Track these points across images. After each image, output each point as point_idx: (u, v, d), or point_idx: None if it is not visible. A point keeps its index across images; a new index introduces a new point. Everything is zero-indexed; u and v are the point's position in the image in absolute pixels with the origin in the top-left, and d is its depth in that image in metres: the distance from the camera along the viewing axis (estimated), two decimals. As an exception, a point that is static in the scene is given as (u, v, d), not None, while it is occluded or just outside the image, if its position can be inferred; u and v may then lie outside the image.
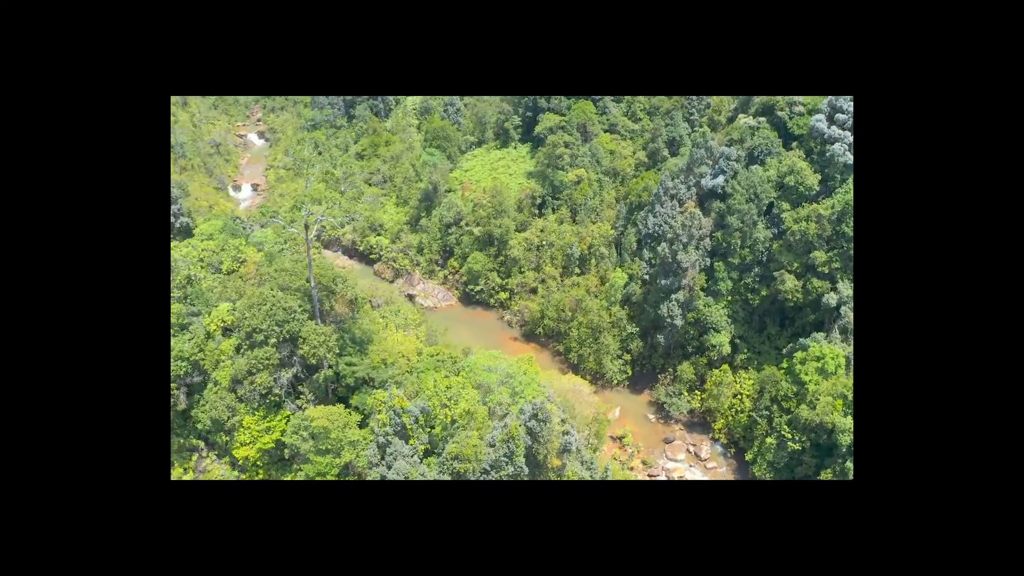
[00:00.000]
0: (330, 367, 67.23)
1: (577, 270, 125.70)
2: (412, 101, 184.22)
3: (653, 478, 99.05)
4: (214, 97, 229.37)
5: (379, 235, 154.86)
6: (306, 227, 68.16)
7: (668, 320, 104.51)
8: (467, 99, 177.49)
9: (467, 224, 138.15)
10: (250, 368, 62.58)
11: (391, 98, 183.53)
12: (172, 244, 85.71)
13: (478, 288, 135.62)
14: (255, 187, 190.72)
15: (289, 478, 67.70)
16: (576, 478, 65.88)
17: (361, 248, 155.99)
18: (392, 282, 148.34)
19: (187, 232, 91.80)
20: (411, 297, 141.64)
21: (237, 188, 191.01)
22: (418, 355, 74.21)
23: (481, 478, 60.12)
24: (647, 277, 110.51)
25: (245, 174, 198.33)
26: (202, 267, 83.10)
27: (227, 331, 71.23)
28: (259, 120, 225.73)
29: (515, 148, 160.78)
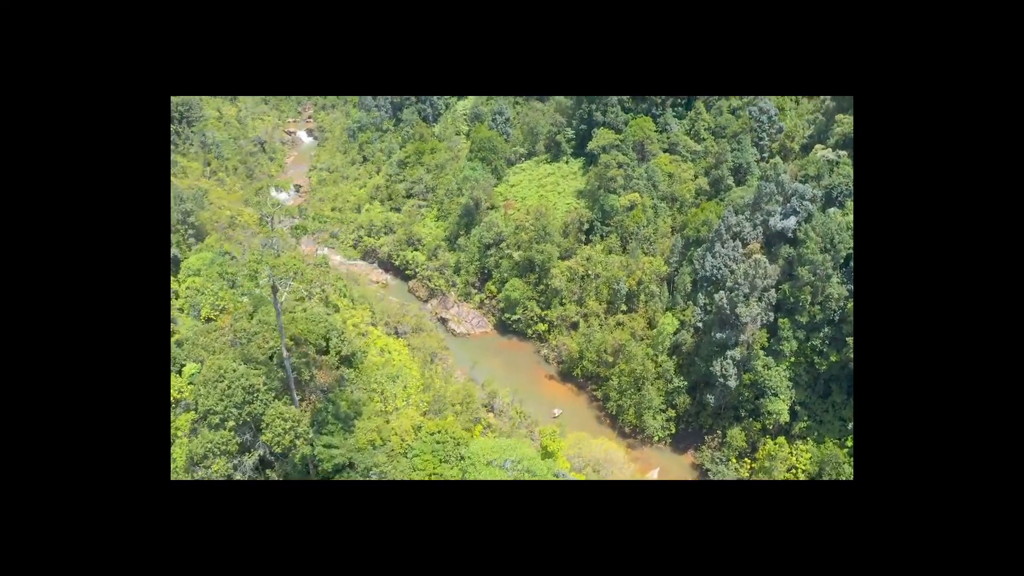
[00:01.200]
0: (310, 444, 57.50)
1: (623, 307, 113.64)
2: (463, 106, 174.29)
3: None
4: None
5: (416, 250, 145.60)
6: (274, 290, 58.00)
7: (721, 379, 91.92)
8: (518, 107, 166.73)
9: (507, 247, 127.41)
10: (205, 452, 53.41)
11: (440, 102, 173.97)
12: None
13: (515, 317, 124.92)
14: (297, 188, 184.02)
15: None
16: None
17: (397, 263, 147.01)
18: (426, 302, 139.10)
19: (175, 264, 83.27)
20: (443, 321, 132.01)
21: (279, 188, 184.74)
22: (416, 431, 64.09)
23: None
24: (700, 326, 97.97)
25: (289, 173, 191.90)
26: (180, 312, 73.78)
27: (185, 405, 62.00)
28: (309, 117, 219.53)
29: (566, 163, 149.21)
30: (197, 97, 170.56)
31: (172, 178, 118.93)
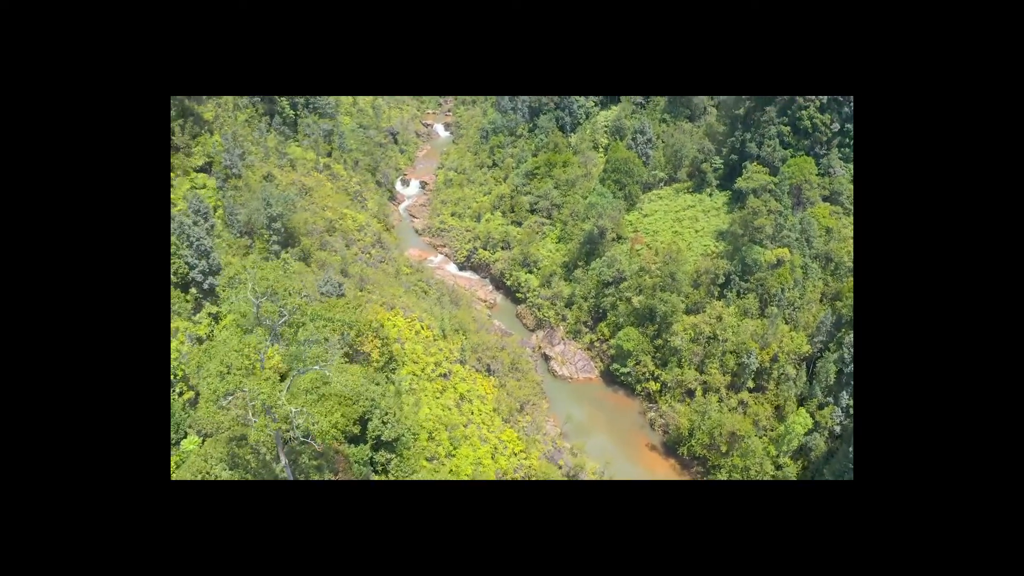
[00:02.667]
0: None
1: (750, 384, 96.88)
2: (604, 117, 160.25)
3: None
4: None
5: (531, 272, 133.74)
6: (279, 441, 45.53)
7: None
8: (664, 125, 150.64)
9: (628, 289, 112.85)
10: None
11: (580, 111, 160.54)
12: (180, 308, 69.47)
13: (625, 370, 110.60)
14: (424, 185, 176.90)
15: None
16: None
17: (509, 283, 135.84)
18: (532, 331, 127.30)
19: (211, 294, 74.27)
20: (546, 358, 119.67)
21: (406, 183, 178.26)
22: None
23: None
24: (838, 432, 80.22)
25: (418, 168, 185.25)
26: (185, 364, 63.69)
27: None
28: (449, 111, 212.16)
29: (709, 195, 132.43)
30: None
31: (275, 171, 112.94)
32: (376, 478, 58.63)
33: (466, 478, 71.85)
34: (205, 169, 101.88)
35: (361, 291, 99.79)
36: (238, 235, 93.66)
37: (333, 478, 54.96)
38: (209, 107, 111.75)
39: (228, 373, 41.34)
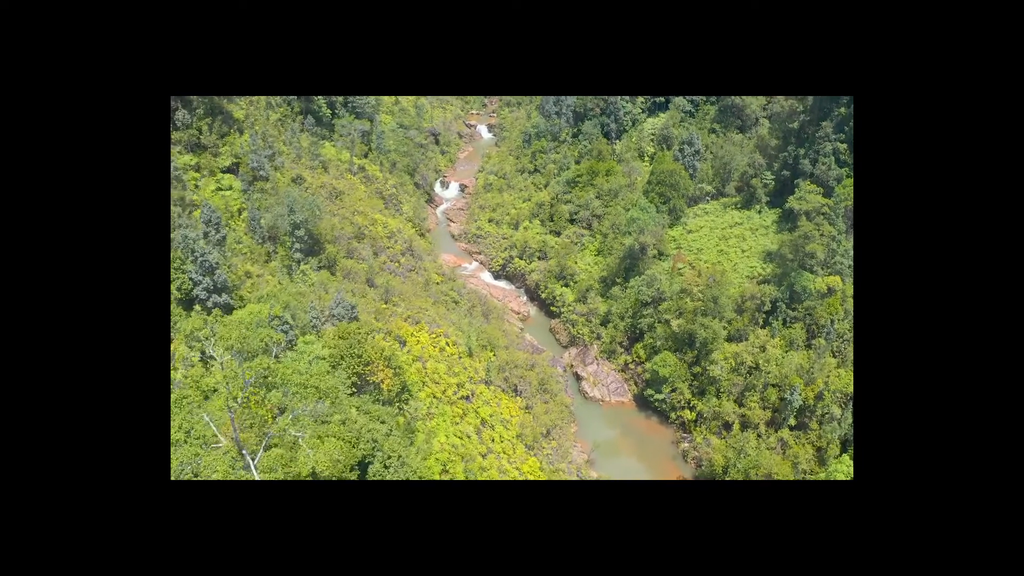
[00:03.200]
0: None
1: (792, 422, 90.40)
2: (651, 124, 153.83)
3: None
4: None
5: (567, 286, 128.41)
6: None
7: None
8: (713, 136, 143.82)
9: (667, 311, 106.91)
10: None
11: (626, 118, 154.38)
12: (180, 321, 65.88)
13: (659, 396, 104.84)
14: (463, 188, 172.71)
15: None
16: None
17: (544, 295, 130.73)
18: (565, 348, 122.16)
19: (227, 309, 70.48)
20: (578, 378, 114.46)
21: (445, 185, 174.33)
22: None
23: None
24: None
25: (459, 170, 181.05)
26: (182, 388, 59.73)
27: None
28: (493, 112, 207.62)
29: (758, 212, 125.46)
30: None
31: (306, 173, 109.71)
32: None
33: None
34: (232, 170, 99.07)
35: (386, 304, 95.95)
36: (260, 241, 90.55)
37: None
38: (241, 104, 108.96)
39: (185, 442, 37.29)
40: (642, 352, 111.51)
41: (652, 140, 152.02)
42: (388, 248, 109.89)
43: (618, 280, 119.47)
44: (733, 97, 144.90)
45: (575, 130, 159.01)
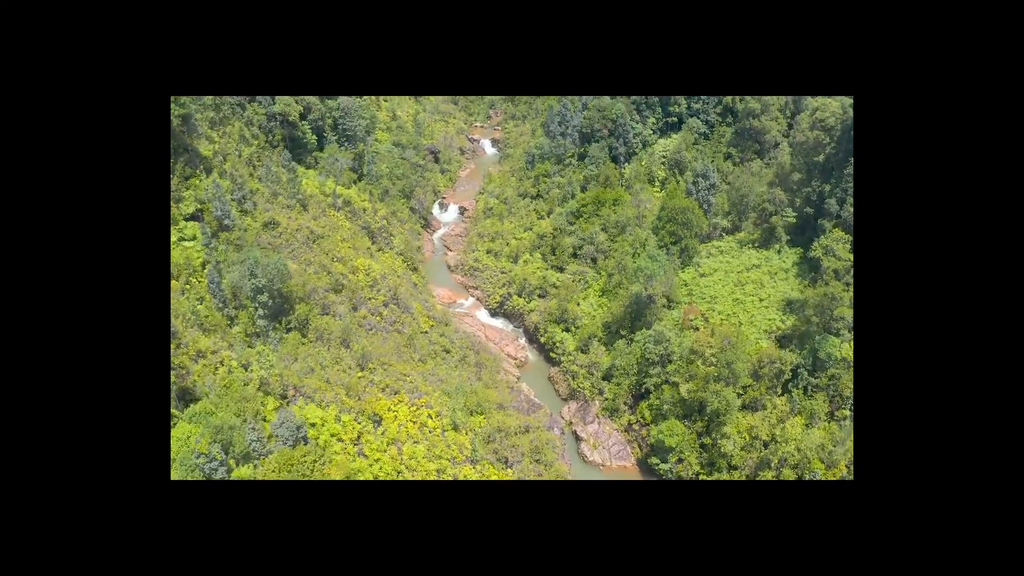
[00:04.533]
0: None
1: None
2: (662, 147, 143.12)
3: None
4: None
5: (567, 331, 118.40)
6: None
7: None
8: (728, 163, 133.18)
9: (675, 372, 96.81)
10: None
11: (635, 139, 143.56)
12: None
13: (665, 466, 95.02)
14: (462, 211, 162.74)
15: None
16: None
17: (543, 339, 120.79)
18: (564, 400, 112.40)
19: (186, 400, 60.98)
20: (577, 438, 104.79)
21: (444, 207, 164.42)
22: None
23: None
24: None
25: (459, 191, 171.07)
26: None
27: None
28: (497, 125, 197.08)
29: (778, 253, 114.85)
30: (364, 101, 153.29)
31: (281, 215, 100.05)
32: None
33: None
34: (197, 216, 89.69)
35: (362, 371, 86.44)
36: (221, 304, 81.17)
37: None
38: (214, 137, 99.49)
39: None
40: (647, 413, 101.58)
41: (663, 164, 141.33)
42: (370, 300, 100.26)
43: (623, 332, 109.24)
44: (751, 120, 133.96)
45: (581, 150, 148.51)
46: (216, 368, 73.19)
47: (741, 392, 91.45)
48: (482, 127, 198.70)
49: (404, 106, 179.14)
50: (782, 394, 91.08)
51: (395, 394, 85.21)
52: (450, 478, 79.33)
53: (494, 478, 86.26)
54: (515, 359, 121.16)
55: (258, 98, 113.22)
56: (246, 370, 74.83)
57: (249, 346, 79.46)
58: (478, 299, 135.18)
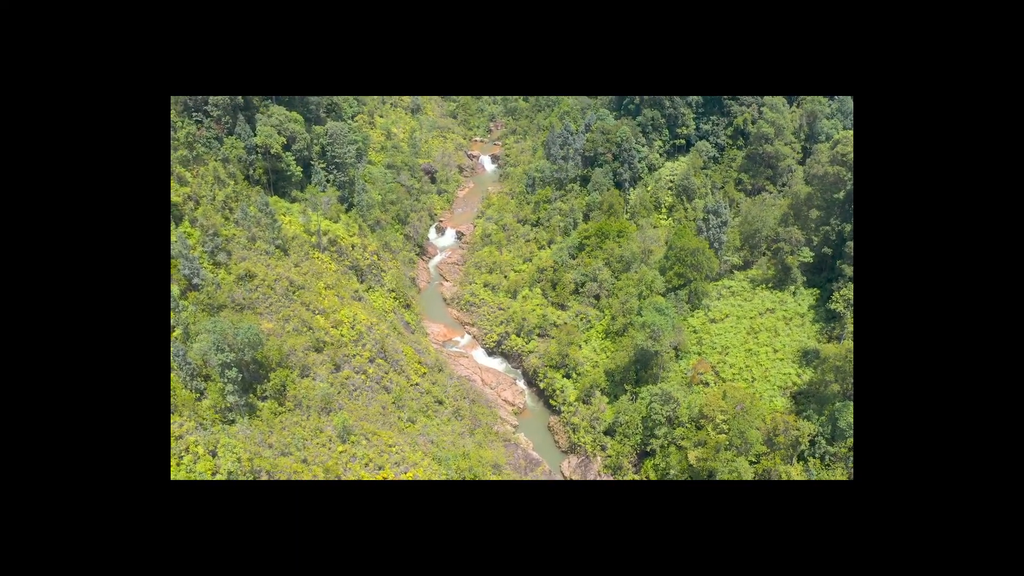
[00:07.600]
0: None
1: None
2: (669, 170, 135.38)
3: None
4: (452, 104, 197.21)
5: (568, 377, 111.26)
6: None
7: None
8: (739, 192, 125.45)
9: (683, 437, 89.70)
10: None
11: (640, 164, 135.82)
12: None
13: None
14: (460, 235, 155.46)
15: None
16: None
17: (542, 385, 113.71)
18: (565, 454, 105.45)
19: None
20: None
21: (441, 231, 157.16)
22: None
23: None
24: None
25: (457, 213, 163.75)
26: None
27: None
28: (497, 140, 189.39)
29: (793, 295, 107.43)
30: (354, 123, 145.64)
31: (259, 264, 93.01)
32: None
33: None
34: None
35: (343, 445, 79.59)
36: (188, 377, 74.34)
37: None
38: (187, 177, 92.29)
39: None
40: (652, 474, 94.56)
41: (670, 190, 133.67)
42: (354, 357, 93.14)
43: (627, 385, 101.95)
44: (763, 144, 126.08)
45: (584, 173, 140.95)
46: (181, 457, 66.46)
47: (754, 460, 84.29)
48: (482, 142, 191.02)
49: (400, 123, 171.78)
50: (798, 462, 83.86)
51: (379, 470, 78.39)
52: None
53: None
54: (513, 405, 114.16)
55: (237, 130, 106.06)
56: (214, 458, 68.09)
57: (222, 420, 72.79)
58: (474, 337, 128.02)
